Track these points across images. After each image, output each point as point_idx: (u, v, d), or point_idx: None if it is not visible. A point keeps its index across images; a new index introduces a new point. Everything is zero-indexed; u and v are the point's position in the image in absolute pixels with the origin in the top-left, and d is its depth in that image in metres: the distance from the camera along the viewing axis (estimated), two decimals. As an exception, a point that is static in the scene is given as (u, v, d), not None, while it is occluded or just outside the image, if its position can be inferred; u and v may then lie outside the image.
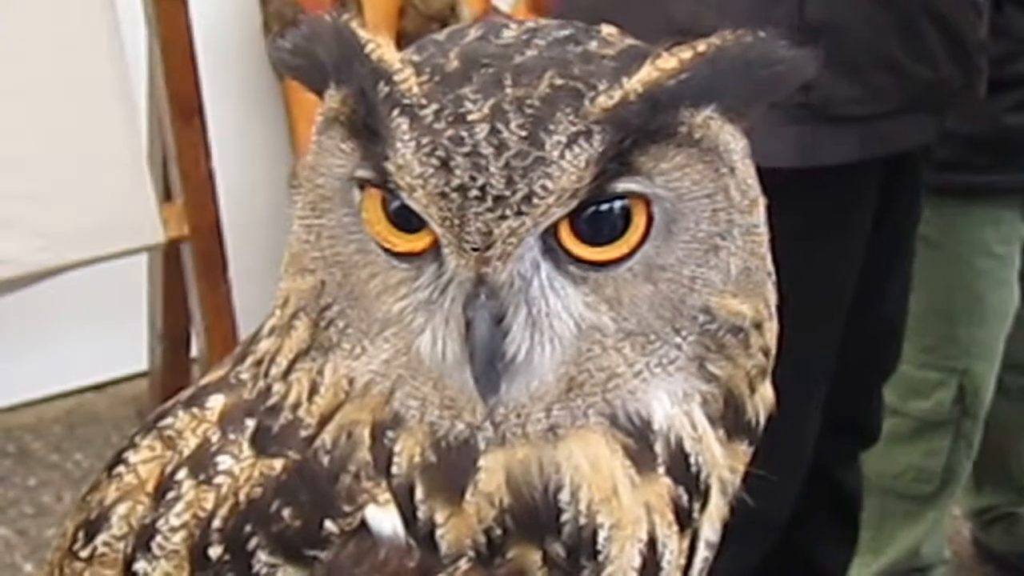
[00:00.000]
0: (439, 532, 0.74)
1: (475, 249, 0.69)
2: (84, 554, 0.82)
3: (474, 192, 0.68)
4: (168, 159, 2.59)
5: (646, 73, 0.71)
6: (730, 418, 0.80)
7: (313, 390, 0.78)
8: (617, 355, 0.75)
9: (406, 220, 0.72)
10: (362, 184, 0.74)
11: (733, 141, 0.75)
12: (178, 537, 0.78)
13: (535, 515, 0.73)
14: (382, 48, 0.73)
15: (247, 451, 0.78)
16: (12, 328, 3.08)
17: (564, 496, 0.74)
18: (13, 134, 2.40)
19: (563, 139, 0.69)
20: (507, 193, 0.69)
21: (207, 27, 2.68)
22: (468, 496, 0.73)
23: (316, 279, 0.78)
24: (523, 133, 0.68)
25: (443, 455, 0.75)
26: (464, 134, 0.68)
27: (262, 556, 0.75)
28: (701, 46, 0.72)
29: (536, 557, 0.74)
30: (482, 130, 0.68)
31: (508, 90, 0.69)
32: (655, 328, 0.75)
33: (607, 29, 0.76)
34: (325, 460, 0.76)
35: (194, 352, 2.85)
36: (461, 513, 0.73)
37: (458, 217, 0.69)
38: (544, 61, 0.71)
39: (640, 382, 0.76)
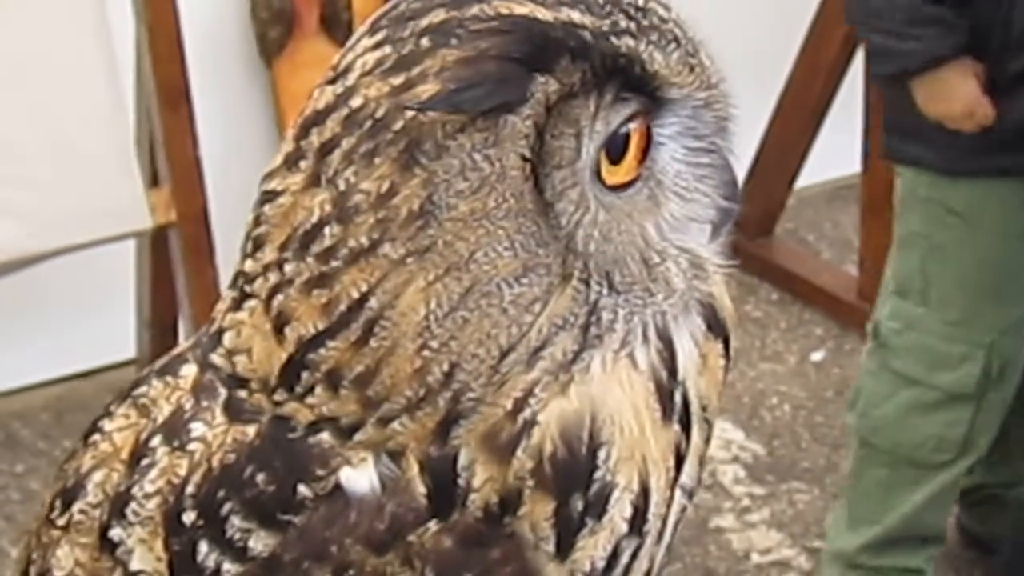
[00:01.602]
0: (472, 496, 0.73)
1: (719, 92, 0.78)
2: (61, 522, 0.82)
3: (702, 53, 0.76)
4: (155, 145, 2.60)
5: None
6: (710, 316, 0.82)
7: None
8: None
9: (619, 149, 0.74)
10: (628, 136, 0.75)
11: None
12: (152, 503, 0.77)
13: (575, 468, 0.73)
14: (538, 9, 0.72)
15: (220, 418, 0.77)
16: None
17: (602, 455, 0.74)
18: None
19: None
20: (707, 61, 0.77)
21: (194, 14, 2.66)
22: (519, 452, 0.73)
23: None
24: (682, 21, 0.76)
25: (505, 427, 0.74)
26: (664, 16, 0.74)
27: (236, 521, 0.74)
28: None
29: (549, 510, 0.73)
30: (662, 7, 0.74)
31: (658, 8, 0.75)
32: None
33: None
34: (301, 425, 0.75)
35: (181, 339, 2.81)
36: (506, 471, 0.73)
37: (705, 77, 0.76)
38: None
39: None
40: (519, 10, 0.70)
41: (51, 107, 2.42)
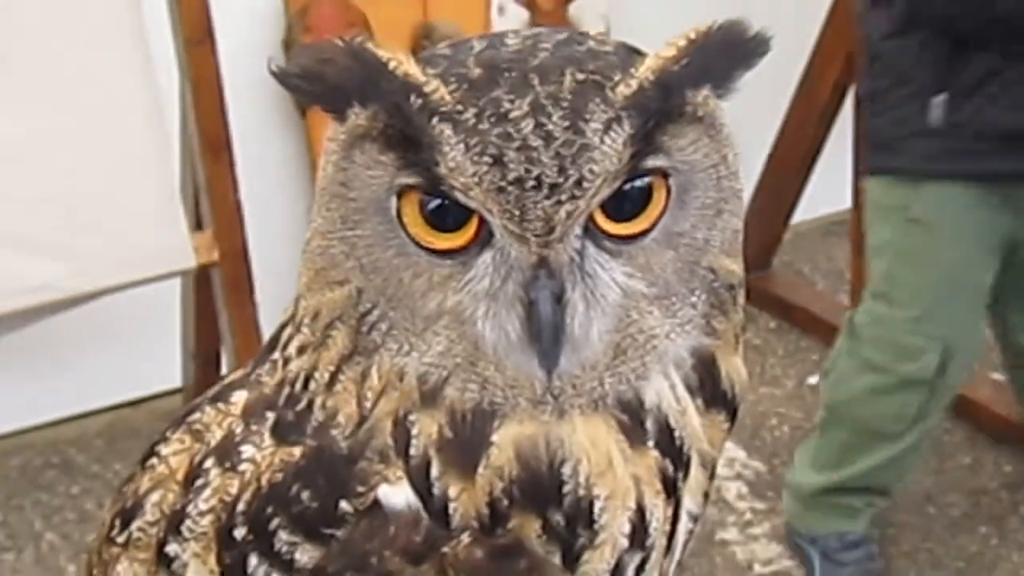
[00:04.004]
0: (452, 505, 0.73)
1: (536, 235, 0.69)
2: (120, 540, 0.82)
3: (531, 183, 0.68)
4: (199, 191, 2.59)
5: (653, 62, 0.71)
6: (708, 388, 0.79)
7: (360, 394, 0.76)
8: (651, 318, 0.75)
9: (443, 220, 0.71)
10: (400, 191, 0.72)
11: (723, 114, 0.76)
12: (206, 520, 0.77)
13: (540, 486, 0.73)
14: (405, 63, 0.71)
15: (268, 440, 0.78)
16: (55, 348, 3.05)
17: (567, 469, 0.73)
18: (57, 169, 2.39)
19: (600, 126, 0.68)
20: (560, 180, 0.68)
21: (234, 69, 2.65)
22: (481, 470, 0.73)
23: (351, 288, 0.76)
24: (565, 124, 0.68)
25: (459, 433, 0.74)
26: (511, 131, 0.67)
27: (283, 535, 0.74)
28: (691, 35, 0.73)
29: (536, 526, 0.73)
30: (527, 125, 0.68)
31: (539, 88, 0.69)
32: (677, 289, 0.76)
33: (593, 31, 0.80)
34: (343, 446, 0.76)
35: (224, 370, 2.83)
36: (473, 486, 0.73)
37: (518, 208, 0.68)
38: (559, 60, 0.71)
39: (669, 342, 0.76)
40: (389, 56, 0.71)
41: (102, 157, 2.42)
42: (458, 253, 0.72)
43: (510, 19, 3.18)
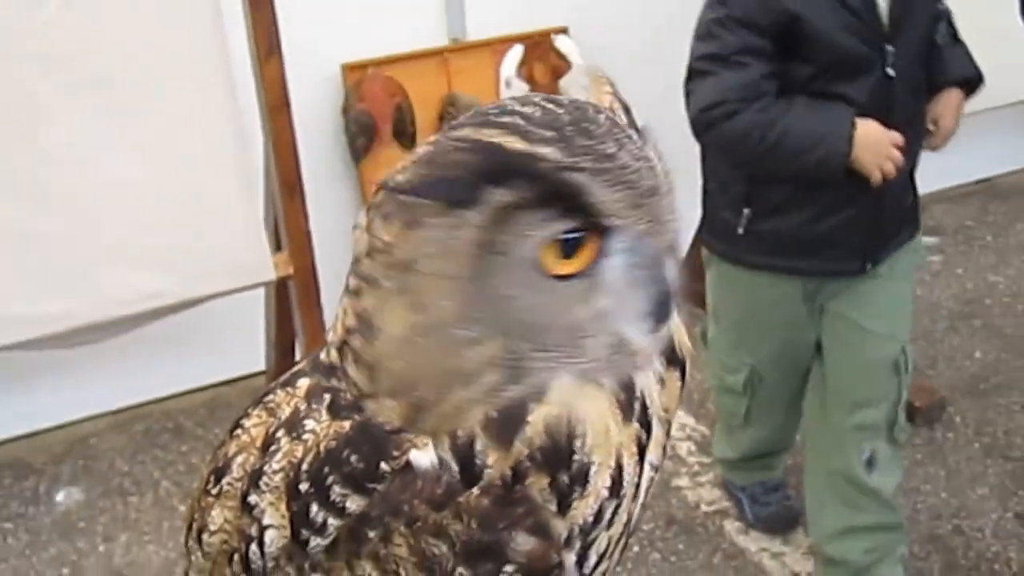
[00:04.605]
0: (487, 471, 0.72)
1: (664, 229, 0.71)
2: (214, 492, 0.82)
3: (654, 193, 0.70)
4: (278, 220, 2.55)
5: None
6: (667, 353, 0.80)
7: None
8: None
9: (572, 249, 0.69)
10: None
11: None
12: (278, 477, 0.77)
13: (558, 454, 0.72)
14: (513, 141, 0.67)
15: (325, 416, 0.77)
16: (170, 341, 3.03)
17: (579, 442, 0.73)
18: (167, 202, 2.35)
19: (647, 146, 0.71)
20: (664, 188, 0.71)
21: (306, 127, 2.64)
22: (516, 443, 0.72)
23: (495, 343, 0.71)
24: (639, 150, 0.69)
25: (502, 414, 0.72)
26: (621, 163, 0.68)
27: (336, 489, 0.74)
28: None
29: (545, 483, 0.72)
30: (625, 156, 0.68)
31: (606, 132, 0.69)
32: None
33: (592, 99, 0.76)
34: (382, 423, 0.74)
35: (297, 356, 2.82)
36: (507, 455, 0.72)
37: (650, 213, 0.70)
38: (593, 113, 0.70)
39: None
40: (493, 138, 0.67)
41: (202, 193, 2.34)
42: (581, 273, 0.70)
43: (515, 91, 3.15)
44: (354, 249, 0.74)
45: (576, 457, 0.73)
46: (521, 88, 3.17)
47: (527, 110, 0.70)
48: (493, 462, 0.72)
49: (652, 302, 0.73)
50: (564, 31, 3.28)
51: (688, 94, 2.00)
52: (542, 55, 3.25)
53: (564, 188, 0.67)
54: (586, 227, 0.69)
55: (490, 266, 0.69)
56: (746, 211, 2.13)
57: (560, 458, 0.72)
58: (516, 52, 3.19)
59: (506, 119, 0.69)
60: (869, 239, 2.11)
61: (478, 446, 0.72)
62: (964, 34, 2.23)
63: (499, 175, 0.66)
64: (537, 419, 0.72)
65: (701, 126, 1.99)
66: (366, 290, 0.72)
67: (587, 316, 0.72)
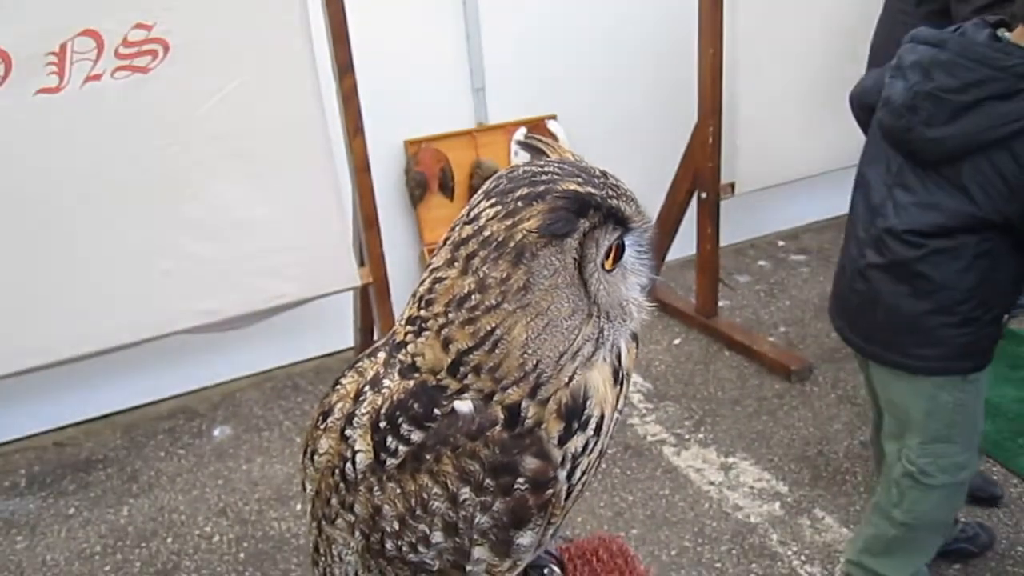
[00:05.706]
0: (527, 421, 0.69)
1: (651, 224, 0.72)
2: (322, 427, 0.79)
3: (643, 208, 0.71)
4: (362, 245, 2.53)
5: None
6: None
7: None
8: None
9: (619, 250, 0.70)
10: (614, 246, 0.70)
11: None
12: (365, 418, 0.74)
13: (576, 409, 0.70)
14: (590, 190, 0.67)
15: (396, 377, 0.74)
16: (290, 328, 3.00)
17: (590, 401, 0.71)
18: (284, 231, 2.29)
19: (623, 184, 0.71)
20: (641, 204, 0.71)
21: (380, 181, 2.66)
22: (551, 403, 0.69)
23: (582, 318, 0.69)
24: (631, 189, 0.71)
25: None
26: (631, 197, 0.70)
27: (404, 426, 0.72)
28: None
29: (560, 427, 0.70)
30: (629, 191, 0.70)
31: (610, 180, 0.69)
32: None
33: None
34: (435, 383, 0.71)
35: (375, 337, 2.78)
36: (543, 409, 0.69)
37: (646, 218, 0.71)
38: (593, 168, 0.70)
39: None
40: (569, 187, 0.66)
41: (308, 225, 2.31)
42: (615, 265, 0.70)
43: (522, 158, 3.17)
44: (449, 293, 0.69)
45: (586, 412, 0.71)
46: (524, 156, 3.17)
47: (575, 168, 0.69)
48: (532, 414, 0.69)
49: (648, 272, 0.74)
50: (554, 117, 3.35)
51: None
52: (539, 133, 3.25)
53: (612, 211, 0.68)
54: (623, 232, 0.70)
55: (585, 271, 0.68)
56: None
57: (576, 412, 0.70)
58: (521, 131, 3.19)
59: (569, 178, 0.68)
60: None
61: (524, 403, 0.69)
62: None
63: (584, 210, 0.66)
64: (563, 388, 0.69)
65: None
66: (482, 316, 0.67)
67: (626, 291, 0.72)
